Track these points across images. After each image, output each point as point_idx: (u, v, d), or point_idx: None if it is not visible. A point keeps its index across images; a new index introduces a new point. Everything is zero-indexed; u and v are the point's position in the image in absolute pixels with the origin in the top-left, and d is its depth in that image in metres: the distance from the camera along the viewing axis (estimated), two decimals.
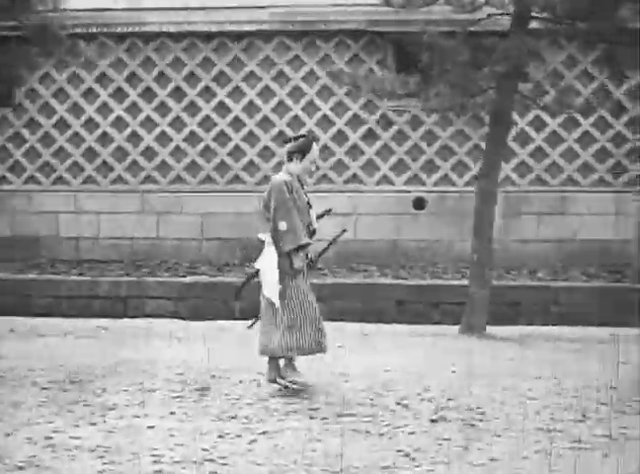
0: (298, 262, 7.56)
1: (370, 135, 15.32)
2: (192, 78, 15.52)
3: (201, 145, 15.54)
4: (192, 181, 15.60)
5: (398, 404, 7.35)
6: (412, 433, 6.54)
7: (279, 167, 15.76)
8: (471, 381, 8.09)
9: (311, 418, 6.93)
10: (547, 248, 15.08)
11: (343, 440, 6.33)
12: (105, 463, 5.81)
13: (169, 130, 15.57)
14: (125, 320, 12.55)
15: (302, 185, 7.86)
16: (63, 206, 15.61)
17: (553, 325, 12.89)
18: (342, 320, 12.07)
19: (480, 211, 11.41)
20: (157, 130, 15.58)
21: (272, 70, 15.39)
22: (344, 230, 8.30)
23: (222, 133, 15.52)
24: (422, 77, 10.58)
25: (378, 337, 10.70)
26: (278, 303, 7.55)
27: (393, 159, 15.32)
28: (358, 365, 8.71)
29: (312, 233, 7.80)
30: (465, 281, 14.08)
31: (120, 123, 15.62)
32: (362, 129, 15.33)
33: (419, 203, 15.36)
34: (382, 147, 15.33)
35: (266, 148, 15.49)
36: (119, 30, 15.28)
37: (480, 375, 8.34)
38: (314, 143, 7.83)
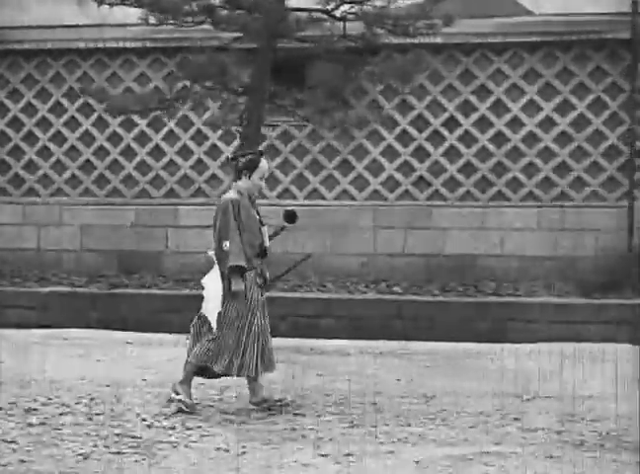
0: (237, 285, 7.49)
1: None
2: (71, 93, 15.91)
3: (81, 159, 15.91)
4: (72, 193, 15.98)
5: None
6: None
7: (155, 180, 16.10)
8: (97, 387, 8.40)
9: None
10: (414, 261, 15.14)
11: None
12: None
13: (50, 145, 15.98)
14: None
15: (253, 202, 7.89)
16: None
17: (393, 339, 13.01)
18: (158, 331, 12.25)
19: None
20: (39, 144, 16.01)
21: (148, 85, 15.72)
22: (308, 256, 8.18)
23: (101, 148, 15.88)
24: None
25: (135, 346, 10.79)
26: (214, 323, 7.51)
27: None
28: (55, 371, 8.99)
29: (264, 252, 7.77)
30: (324, 295, 14.32)
31: (2, 138, 16.07)
32: (234, 144, 15.54)
33: (290, 217, 15.48)
34: None
35: (142, 162, 15.81)
36: None
37: (116, 381, 8.56)
38: (262, 159, 7.91)
